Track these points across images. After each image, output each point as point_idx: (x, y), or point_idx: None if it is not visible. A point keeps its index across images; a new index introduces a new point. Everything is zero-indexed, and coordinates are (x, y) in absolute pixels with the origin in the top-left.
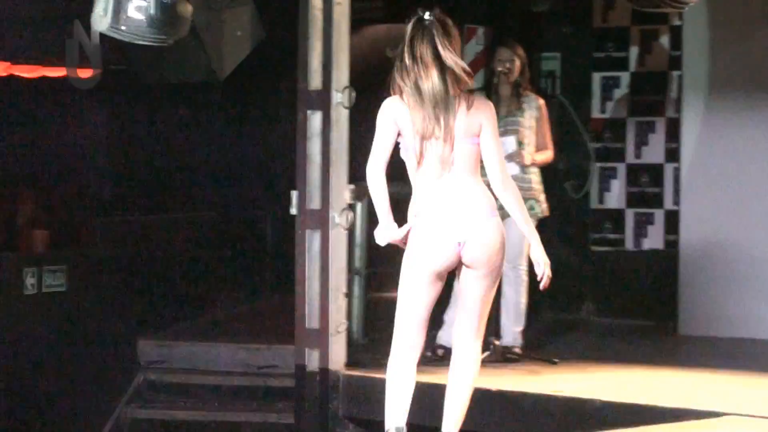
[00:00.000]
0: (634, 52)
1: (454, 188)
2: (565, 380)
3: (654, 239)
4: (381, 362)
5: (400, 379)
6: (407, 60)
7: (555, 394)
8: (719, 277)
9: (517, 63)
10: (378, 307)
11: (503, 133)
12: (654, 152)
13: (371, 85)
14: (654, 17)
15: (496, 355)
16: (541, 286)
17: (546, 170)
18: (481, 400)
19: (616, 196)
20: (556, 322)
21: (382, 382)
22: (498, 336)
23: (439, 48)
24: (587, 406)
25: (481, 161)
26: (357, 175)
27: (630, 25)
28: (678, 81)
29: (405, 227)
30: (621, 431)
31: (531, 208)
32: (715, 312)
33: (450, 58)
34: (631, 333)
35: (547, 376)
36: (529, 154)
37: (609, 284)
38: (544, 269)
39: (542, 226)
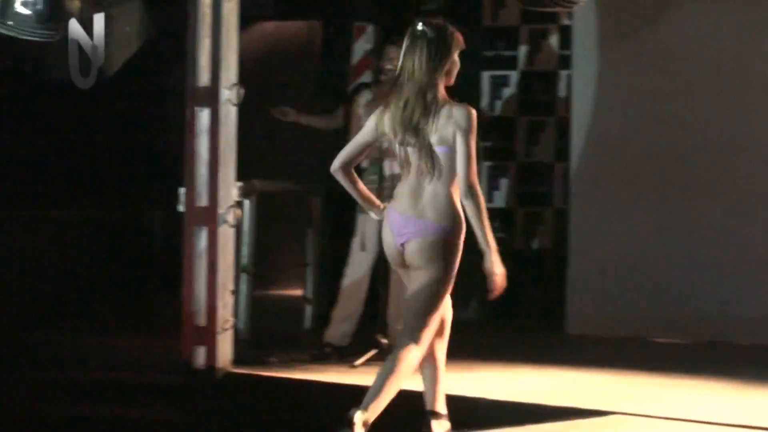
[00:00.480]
0: (523, 51)
1: (417, 192)
2: (453, 379)
3: (543, 238)
4: (267, 360)
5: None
6: (399, 68)
7: None
8: (607, 276)
9: None
10: (265, 304)
11: None
12: (544, 151)
13: (260, 82)
14: (543, 17)
15: (383, 353)
16: (491, 296)
17: None
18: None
19: (505, 194)
20: None
21: (268, 379)
22: (385, 334)
23: (419, 62)
24: (474, 405)
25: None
26: (245, 172)
27: (520, 24)
28: (567, 80)
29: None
30: (508, 430)
31: None
32: (602, 311)
33: (428, 70)
34: (518, 332)
35: None
36: None
37: None
38: (495, 282)
39: None
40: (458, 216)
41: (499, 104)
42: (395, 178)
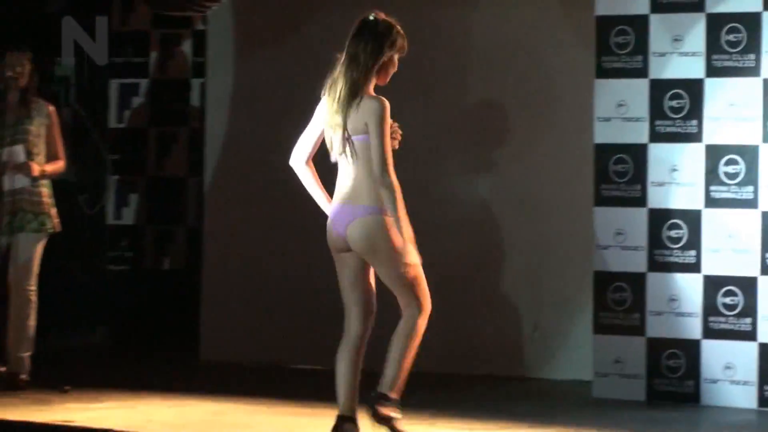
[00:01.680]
0: (154, 57)
1: (347, 181)
2: (77, 409)
3: (175, 258)
4: None
5: (337, 364)
6: (342, 57)
7: (65, 424)
8: (243, 299)
9: (27, 68)
10: None
11: (12, 142)
12: (176, 165)
13: None
14: (176, 21)
15: (2, 381)
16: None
17: (57, 182)
18: None
19: (134, 211)
20: (68, 348)
21: None
22: (2, 362)
23: (358, 50)
24: None
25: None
26: None
27: (151, 29)
28: (201, 89)
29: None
30: None
31: (42, 224)
32: (239, 336)
33: (366, 58)
34: (150, 358)
35: (58, 405)
36: (39, 165)
37: (126, 306)
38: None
39: (53, 243)
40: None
41: (128, 114)
42: (15, 193)
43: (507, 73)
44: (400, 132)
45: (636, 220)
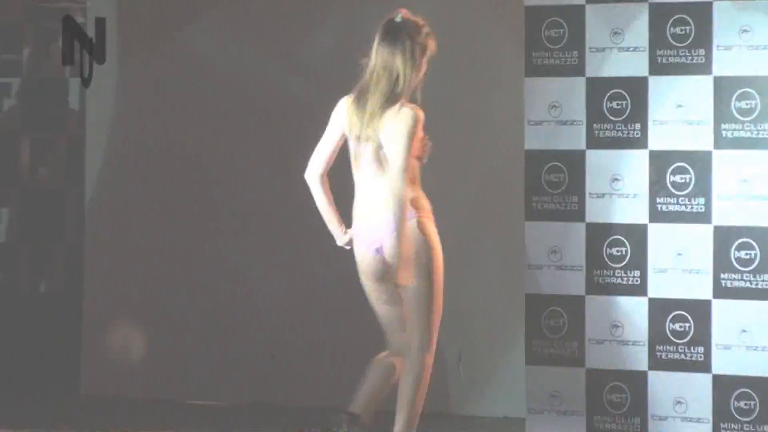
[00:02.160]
0: (27, 54)
1: (375, 193)
2: None
3: (53, 280)
4: None
5: (371, 367)
6: (370, 62)
7: None
8: (129, 326)
9: None
10: None
11: None
12: (53, 175)
13: None
14: (53, 13)
15: None
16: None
17: None
18: None
19: (6, 227)
20: None
21: None
22: None
23: (393, 62)
24: None
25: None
26: None
27: (24, 22)
28: (80, 90)
29: (349, 233)
30: None
31: None
32: (125, 368)
33: (400, 65)
34: (25, 393)
35: None
36: None
37: None
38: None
39: None
40: (420, 205)
41: None
42: None
43: (427, 71)
44: (431, 145)
45: (573, 237)
